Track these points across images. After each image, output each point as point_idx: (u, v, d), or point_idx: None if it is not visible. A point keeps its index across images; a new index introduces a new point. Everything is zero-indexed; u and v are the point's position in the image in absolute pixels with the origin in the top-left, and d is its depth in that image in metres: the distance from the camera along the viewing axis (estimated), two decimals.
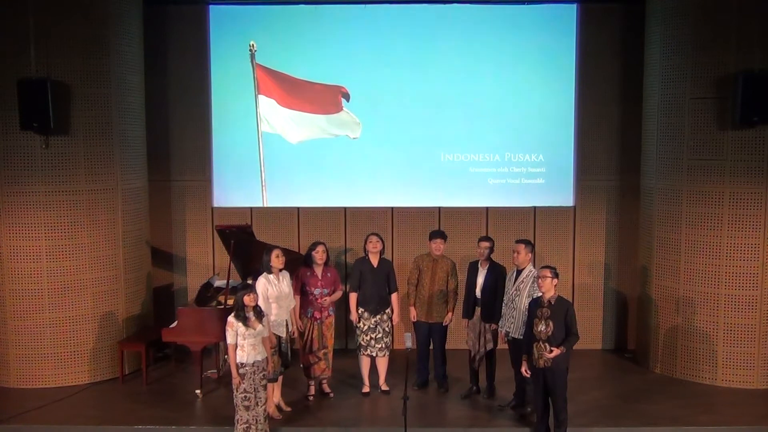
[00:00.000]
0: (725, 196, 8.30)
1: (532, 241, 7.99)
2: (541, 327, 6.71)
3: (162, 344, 8.88)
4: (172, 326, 8.19)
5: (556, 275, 6.78)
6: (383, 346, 8.02)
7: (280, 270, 7.45)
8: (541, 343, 6.72)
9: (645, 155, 9.10)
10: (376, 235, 8.14)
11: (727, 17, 8.12)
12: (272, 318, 7.25)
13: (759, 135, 8.14)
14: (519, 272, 7.49)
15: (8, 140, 8.19)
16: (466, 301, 8.03)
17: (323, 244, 7.92)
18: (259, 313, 6.80)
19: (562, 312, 6.72)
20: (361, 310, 8.02)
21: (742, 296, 8.31)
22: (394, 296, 8.10)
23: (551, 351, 6.66)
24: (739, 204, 8.25)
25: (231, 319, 6.71)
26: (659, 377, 8.76)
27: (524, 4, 9.43)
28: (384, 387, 8.15)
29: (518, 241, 7.57)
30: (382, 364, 8.12)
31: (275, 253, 7.41)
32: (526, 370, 6.95)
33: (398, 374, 7.89)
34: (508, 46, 9.42)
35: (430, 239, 8.14)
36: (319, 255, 7.81)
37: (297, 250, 9.17)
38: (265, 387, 6.84)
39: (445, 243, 8.12)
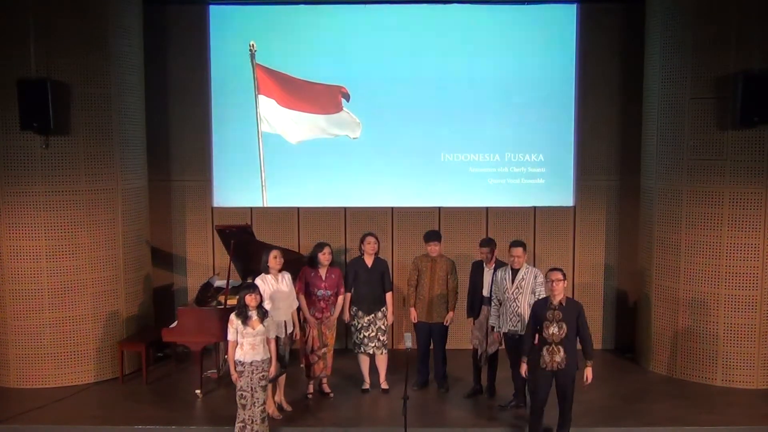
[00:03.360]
0: (725, 196, 8.30)
1: (532, 241, 7.97)
2: (554, 329, 6.63)
3: (162, 344, 8.88)
4: (172, 326, 8.19)
5: (565, 276, 6.76)
6: (379, 344, 8.02)
7: (279, 271, 7.45)
8: (554, 346, 6.65)
9: (645, 155, 9.10)
10: (373, 235, 8.13)
11: (726, 17, 8.12)
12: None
13: (759, 135, 8.14)
14: (514, 271, 7.48)
15: (8, 140, 8.19)
16: (470, 300, 8.02)
17: (329, 245, 7.90)
18: (264, 314, 6.79)
19: (573, 313, 6.68)
20: (354, 308, 8.03)
21: (742, 296, 8.31)
22: (388, 295, 8.08)
23: (586, 378, 6.81)
24: (739, 204, 8.25)
25: (232, 316, 6.75)
26: (659, 377, 8.77)
27: (524, 4, 9.43)
28: (384, 385, 8.15)
29: (516, 245, 7.51)
30: (382, 362, 8.13)
31: (273, 254, 7.40)
32: (525, 372, 6.92)
33: (398, 374, 7.88)
34: (508, 46, 9.42)
35: (426, 242, 8.11)
36: (325, 257, 7.80)
37: (297, 250, 9.17)
38: (264, 388, 6.83)
39: (440, 244, 8.09)
